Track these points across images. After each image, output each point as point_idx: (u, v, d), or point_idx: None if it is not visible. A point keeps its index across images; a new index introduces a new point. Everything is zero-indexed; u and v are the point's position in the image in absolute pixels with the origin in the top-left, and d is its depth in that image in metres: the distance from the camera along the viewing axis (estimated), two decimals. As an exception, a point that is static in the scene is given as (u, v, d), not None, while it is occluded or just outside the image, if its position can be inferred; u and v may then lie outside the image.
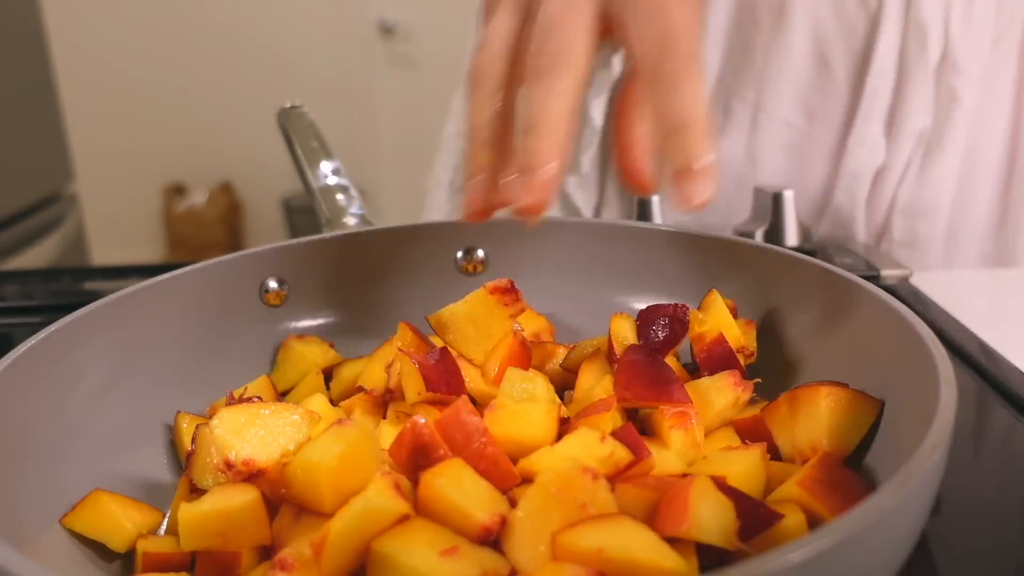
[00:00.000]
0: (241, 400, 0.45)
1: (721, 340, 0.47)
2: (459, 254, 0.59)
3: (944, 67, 0.78)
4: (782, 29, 0.80)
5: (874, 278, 0.74)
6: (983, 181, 0.83)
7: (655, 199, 0.77)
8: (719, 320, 0.49)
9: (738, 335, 0.49)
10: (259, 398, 0.47)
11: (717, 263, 0.54)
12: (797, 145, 0.84)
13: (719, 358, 0.47)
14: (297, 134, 0.76)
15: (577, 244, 0.58)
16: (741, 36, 0.83)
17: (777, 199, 0.78)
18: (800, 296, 0.49)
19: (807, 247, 0.78)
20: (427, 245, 0.59)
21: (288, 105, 0.83)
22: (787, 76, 0.82)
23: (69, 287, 0.82)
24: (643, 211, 0.78)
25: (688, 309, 0.48)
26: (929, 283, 0.74)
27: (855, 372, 0.42)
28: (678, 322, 0.47)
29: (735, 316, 0.50)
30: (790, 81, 0.82)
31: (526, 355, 0.47)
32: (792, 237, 0.78)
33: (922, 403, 0.34)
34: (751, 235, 0.78)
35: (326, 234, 0.58)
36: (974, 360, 0.59)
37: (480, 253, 0.59)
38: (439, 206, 0.98)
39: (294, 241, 0.56)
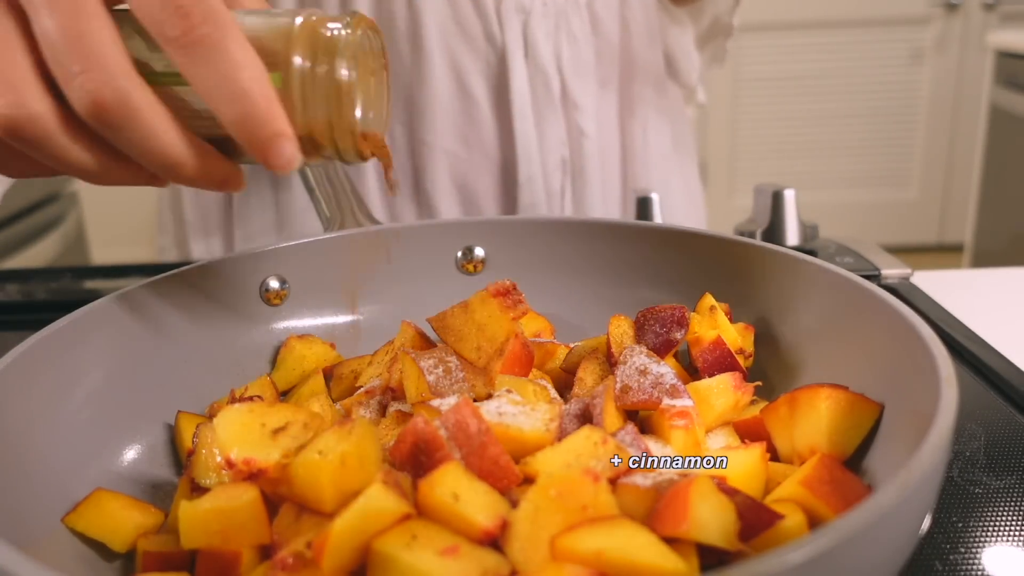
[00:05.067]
0: (242, 399, 0.45)
1: (719, 343, 0.47)
2: (459, 253, 0.59)
3: (567, 104, 0.86)
4: (421, 58, 0.82)
5: (874, 277, 0.74)
6: (611, 204, 0.93)
7: (655, 197, 0.77)
8: (715, 323, 0.49)
9: (735, 337, 0.49)
10: (260, 397, 0.47)
11: (717, 263, 0.54)
12: (462, 173, 0.87)
13: (718, 360, 0.47)
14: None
15: (577, 244, 0.58)
16: None
17: (777, 198, 0.78)
18: (800, 296, 0.49)
19: (807, 247, 0.78)
20: (427, 244, 0.59)
21: None
22: (436, 105, 0.84)
23: (69, 286, 0.82)
24: (643, 211, 0.78)
25: (687, 310, 0.48)
26: (930, 282, 0.74)
27: (856, 371, 0.42)
28: (677, 323, 0.48)
29: (730, 320, 0.50)
30: (441, 109, 0.84)
31: (528, 357, 0.47)
32: (793, 236, 0.78)
33: (923, 403, 0.34)
34: (751, 235, 0.78)
35: (326, 234, 0.58)
36: (975, 359, 0.59)
37: (480, 252, 0.59)
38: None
39: (294, 241, 0.56)
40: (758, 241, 0.52)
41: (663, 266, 0.56)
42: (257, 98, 0.37)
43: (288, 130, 0.38)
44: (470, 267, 0.59)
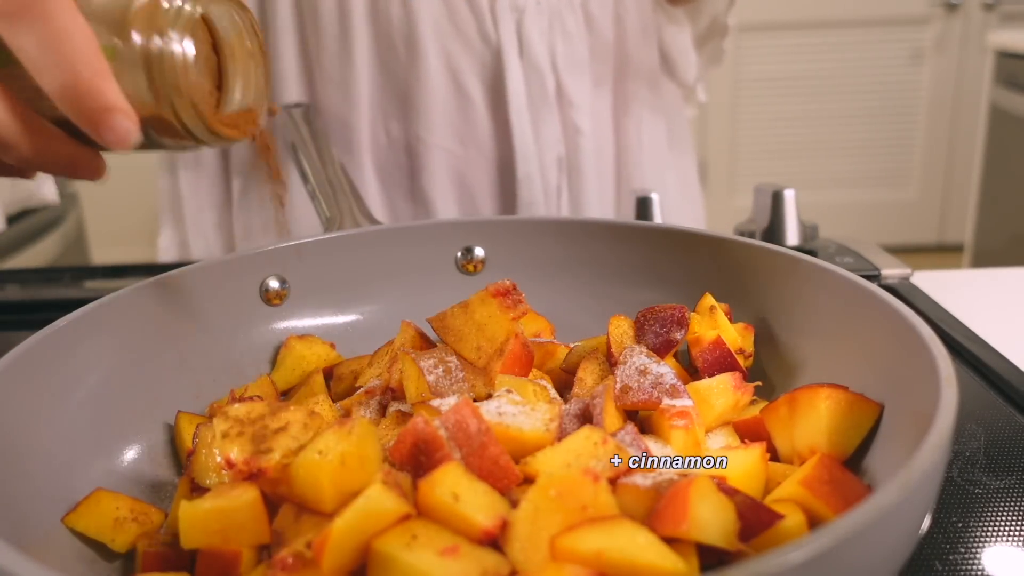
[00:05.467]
0: (242, 399, 0.45)
1: (719, 343, 0.47)
2: (459, 253, 0.59)
3: (562, 102, 0.87)
4: (416, 57, 0.83)
5: (874, 277, 0.74)
6: (606, 202, 0.94)
7: (655, 197, 0.77)
8: (715, 323, 0.49)
9: (735, 337, 0.49)
10: (260, 398, 0.47)
11: (717, 263, 0.54)
12: (459, 171, 0.87)
13: (718, 360, 0.47)
14: (299, 134, 0.76)
15: (577, 244, 0.58)
16: (382, 63, 0.84)
17: (777, 198, 0.78)
18: (800, 296, 0.49)
19: (807, 247, 0.78)
20: (427, 244, 0.59)
21: (292, 104, 0.83)
22: (432, 103, 0.84)
23: (69, 286, 0.81)
24: (643, 211, 0.78)
25: (687, 310, 0.48)
26: (930, 282, 0.74)
27: (855, 371, 0.42)
28: (677, 323, 0.48)
29: (730, 320, 0.50)
30: (437, 108, 0.85)
31: (528, 358, 0.47)
32: (792, 236, 0.78)
33: (923, 403, 0.34)
34: (751, 235, 0.78)
35: (326, 234, 0.58)
36: (975, 359, 0.59)
37: (480, 252, 0.59)
38: None
39: (294, 241, 0.56)
40: (758, 241, 0.52)
41: (663, 266, 0.56)
42: (81, 67, 0.35)
43: (121, 104, 0.36)
44: (470, 267, 0.59)
